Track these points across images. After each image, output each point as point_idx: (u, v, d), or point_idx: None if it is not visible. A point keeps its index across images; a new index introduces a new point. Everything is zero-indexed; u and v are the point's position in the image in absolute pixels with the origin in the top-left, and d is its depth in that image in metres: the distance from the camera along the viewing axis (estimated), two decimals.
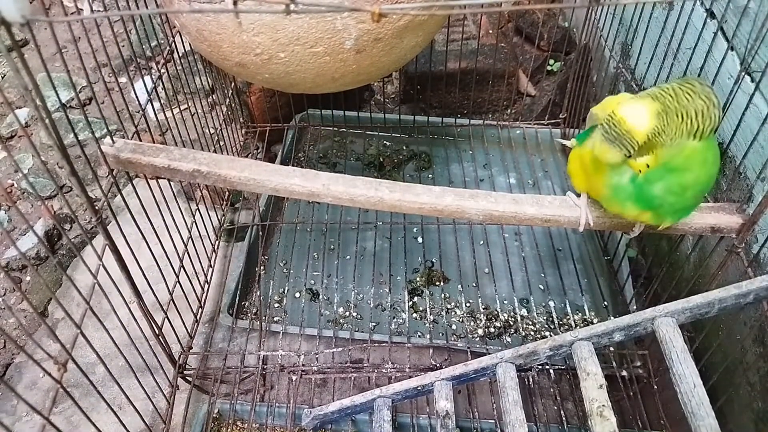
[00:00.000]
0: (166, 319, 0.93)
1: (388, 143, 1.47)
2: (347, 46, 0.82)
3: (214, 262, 1.19)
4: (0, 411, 1.02)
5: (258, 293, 1.15)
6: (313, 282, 1.19)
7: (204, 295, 1.13)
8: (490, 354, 0.81)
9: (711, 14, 0.93)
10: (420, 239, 1.26)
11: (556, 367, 1.01)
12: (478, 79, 1.48)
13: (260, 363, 1.03)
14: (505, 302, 1.15)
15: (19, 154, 1.50)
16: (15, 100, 1.61)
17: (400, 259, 1.21)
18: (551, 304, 1.14)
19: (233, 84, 1.35)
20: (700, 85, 0.64)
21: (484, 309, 1.13)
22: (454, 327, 1.11)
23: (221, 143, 1.27)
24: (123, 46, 1.60)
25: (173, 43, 1.08)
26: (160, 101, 1.06)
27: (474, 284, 1.17)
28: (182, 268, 1.00)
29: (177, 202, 1.01)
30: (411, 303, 1.15)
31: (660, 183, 0.65)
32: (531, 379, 1.02)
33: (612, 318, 0.99)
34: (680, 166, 0.64)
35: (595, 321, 1.11)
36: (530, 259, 1.21)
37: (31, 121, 1.57)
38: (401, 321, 1.12)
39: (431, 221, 1.26)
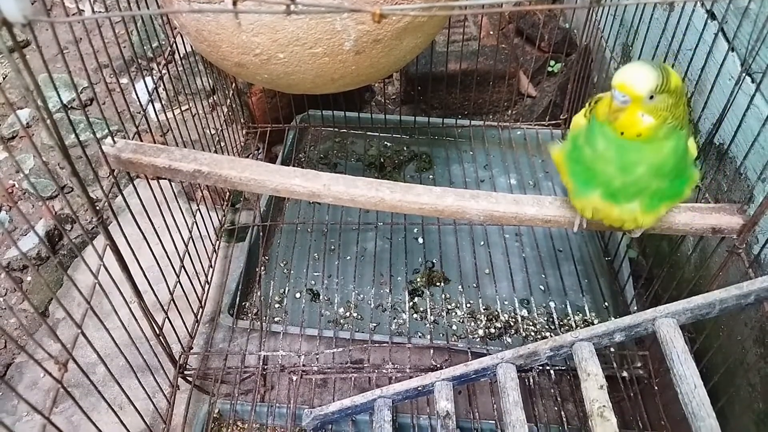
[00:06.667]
0: (166, 319, 0.93)
1: (388, 144, 1.47)
2: (346, 47, 0.82)
3: (215, 263, 1.19)
4: (1, 411, 1.03)
5: (258, 293, 1.15)
6: (313, 282, 1.19)
7: (204, 295, 1.13)
8: (490, 354, 0.81)
9: (712, 15, 0.93)
10: (420, 240, 1.26)
11: (557, 367, 1.01)
12: (478, 80, 1.48)
13: (261, 363, 1.03)
14: (506, 303, 1.15)
15: (20, 154, 1.51)
16: (16, 101, 1.62)
17: (401, 259, 1.21)
18: (552, 304, 1.14)
19: (234, 85, 1.35)
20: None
21: (484, 309, 1.13)
22: (454, 327, 1.11)
23: (222, 144, 1.27)
24: (124, 46, 1.60)
25: (174, 44, 1.08)
26: (161, 102, 1.05)
27: (474, 285, 1.17)
28: (183, 269, 1.00)
29: (178, 202, 1.01)
30: (411, 303, 1.15)
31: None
32: (531, 380, 1.02)
33: (613, 318, 0.99)
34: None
35: (595, 321, 1.11)
36: (531, 260, 1.21)
37: (32, 122, 1.58)
38: (402, 321, 1.12)
39: (432, 222, 1.26)
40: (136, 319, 0.83)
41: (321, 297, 1.16)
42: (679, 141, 0.64)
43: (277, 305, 1.15)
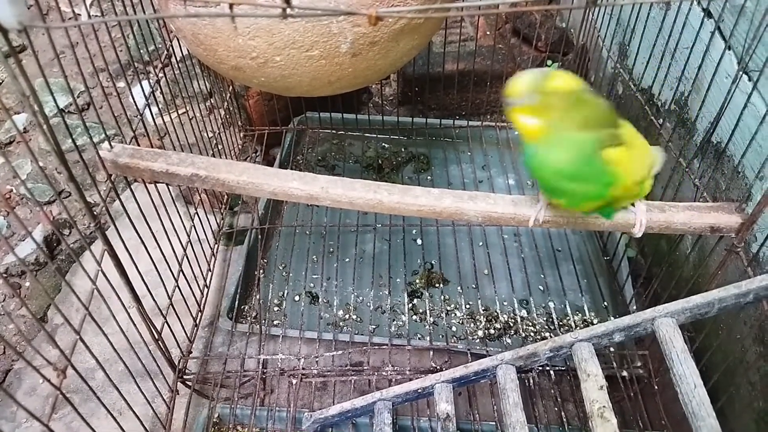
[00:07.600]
0: (165, 324, 0.93)
1: (386, 145, 1.47)
2: (343, 50, 0.82)
3: (213, 266, 1.19)
4: (0, 417, 1.02)
5: (257, 297, 1.15)
6: (312, 285, 1.19)
7: (203, 299, 1.13)
8: (490, 356, 0.81)
9: (708, 14, 0.93)
10: (419, 241, 1.26)
11: (557, 368, 1.01)
12: (476, 81, 1.48)
13: (260, 367, 1.03)
14: (505, 303, 1.15)
15: (17, 159, 1.50)
16: (13, 106, 1.61)
17: (400, 261, 1.21)
18: (551, 304, 1.14)
19: (231, 87, 1.35)
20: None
21: (483, 310, 1.13)
22: (454, 329, 1.11)
23: (219, 147, 1.27)
24: (121, 50, 1.60)
25: (171, 48, 1.08)
26: (158, 105, 1.06)
27: (473, 286, 1.16)
28: (181, 273, 1.00)
29: (176, 206, 1.01)
30: (411, 305, 1.15)
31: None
32: (531, 381, 1.02)
33: (612, 318, 0.99)
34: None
35: (595, 321, 1.11)
36: (529, 260, 1.21)
37: (29, 127, 1.57)
38: (401, 323, 1.12)
39: (430, 223, 1.26)
40: (134, 324, 0.82)
41: (320, 299, 1.16)
42: (582, 144, 0.65)
43: (276, 308, 1.15)
